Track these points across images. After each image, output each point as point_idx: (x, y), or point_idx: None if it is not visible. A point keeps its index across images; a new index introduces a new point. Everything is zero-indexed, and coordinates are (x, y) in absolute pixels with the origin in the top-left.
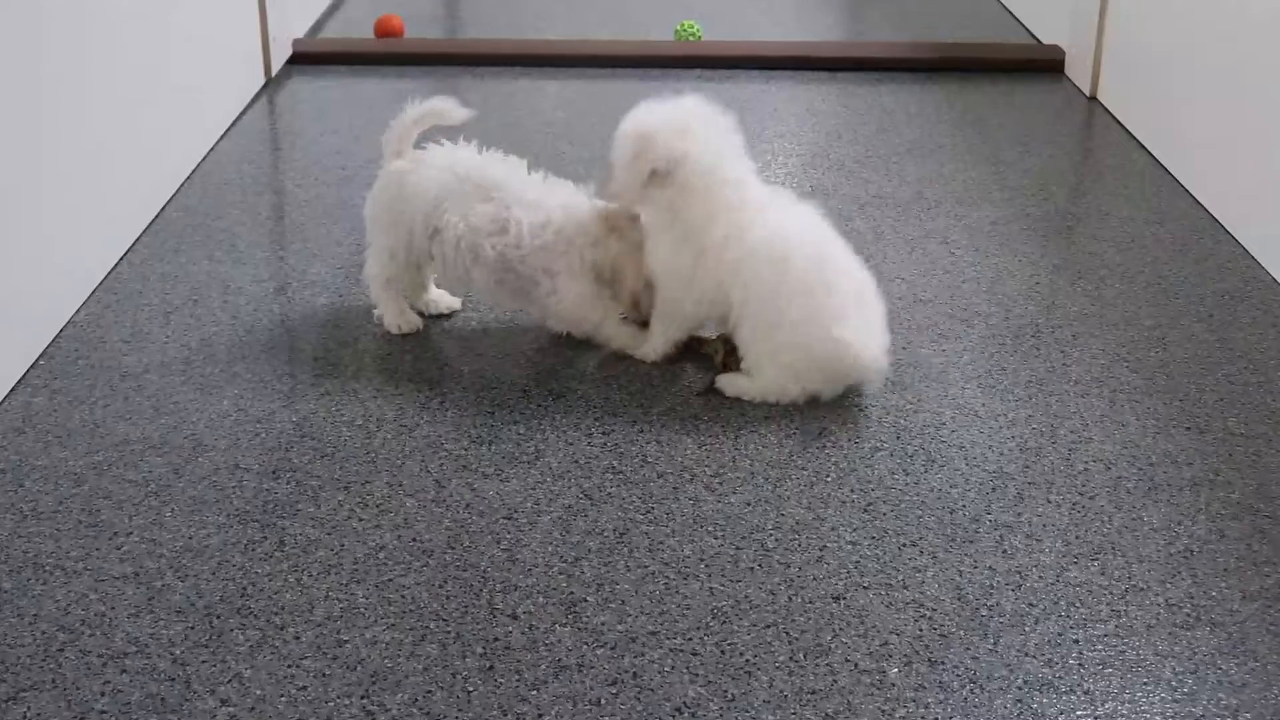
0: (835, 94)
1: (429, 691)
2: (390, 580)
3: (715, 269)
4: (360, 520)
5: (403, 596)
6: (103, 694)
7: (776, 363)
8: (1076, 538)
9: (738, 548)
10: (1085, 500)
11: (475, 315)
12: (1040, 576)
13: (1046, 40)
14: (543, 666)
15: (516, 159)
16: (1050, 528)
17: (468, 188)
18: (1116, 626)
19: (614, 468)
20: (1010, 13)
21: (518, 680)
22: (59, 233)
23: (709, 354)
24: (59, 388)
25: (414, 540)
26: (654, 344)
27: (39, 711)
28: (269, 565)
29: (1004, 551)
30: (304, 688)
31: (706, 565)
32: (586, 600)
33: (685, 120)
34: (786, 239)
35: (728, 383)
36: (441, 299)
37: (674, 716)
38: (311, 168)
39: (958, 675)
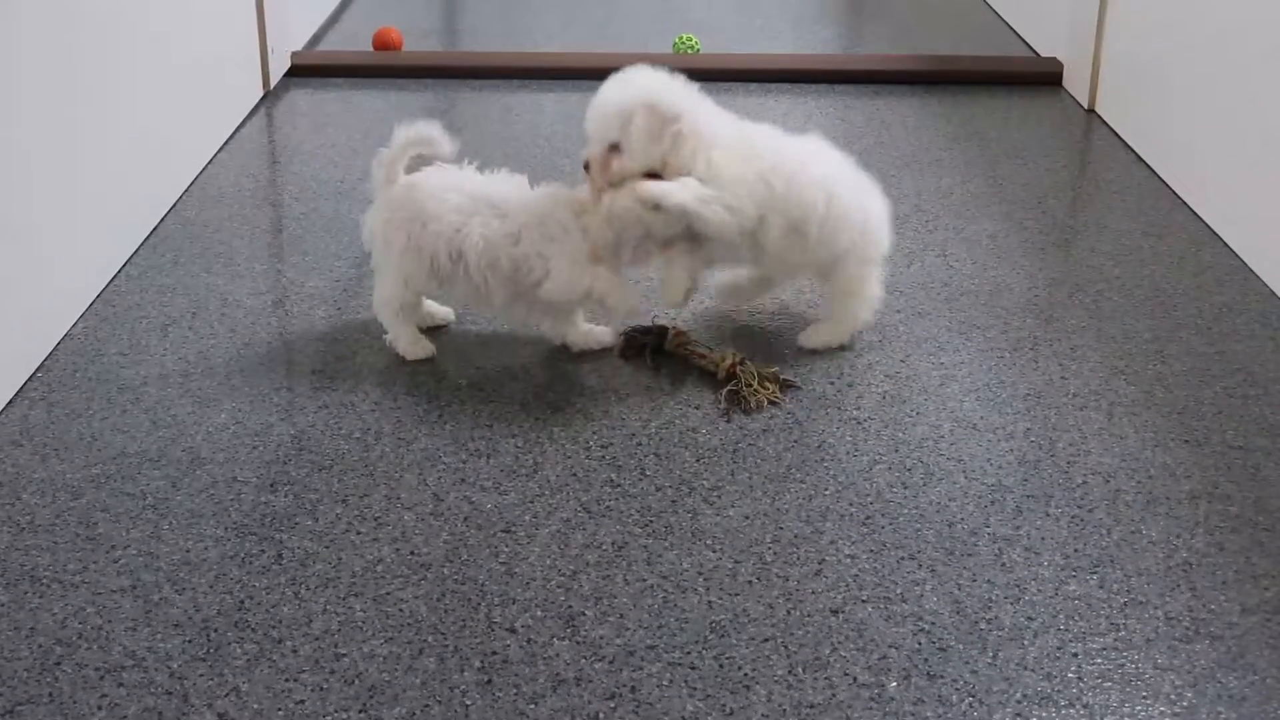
0: (833, 106)
1: (426, 705)
2: (388, 594)
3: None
4: (358, 533)
5: (400, 610)
6: (99, 708)
7: (865, 258)
8: (1075, 551)
9: (736, 561)
10: (1084, 513)
11: (474, 328)
12: (1039, 590)
13: (1044, 53)
14: (541, 680)
15: (520, 177)
16: (1049, 541)
17: (482, 207)
18: (1115, 640)
19: (612, 481)
20: (1008, 25)
21: (516, 694)
22: (56, 245)
23: (714, 364)
24: (56, 400)
25: (412, 553)
26: (676, 274)
27: None
28: (267, 578)
29: (1003, 565)
30: (301, 701)
31: (705, 579)
32: (585, 614)
33: (656, 77)
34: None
35: (812, 336)
36: (436, 311)
37: None
38: (309, 180)
39: (956, 689)
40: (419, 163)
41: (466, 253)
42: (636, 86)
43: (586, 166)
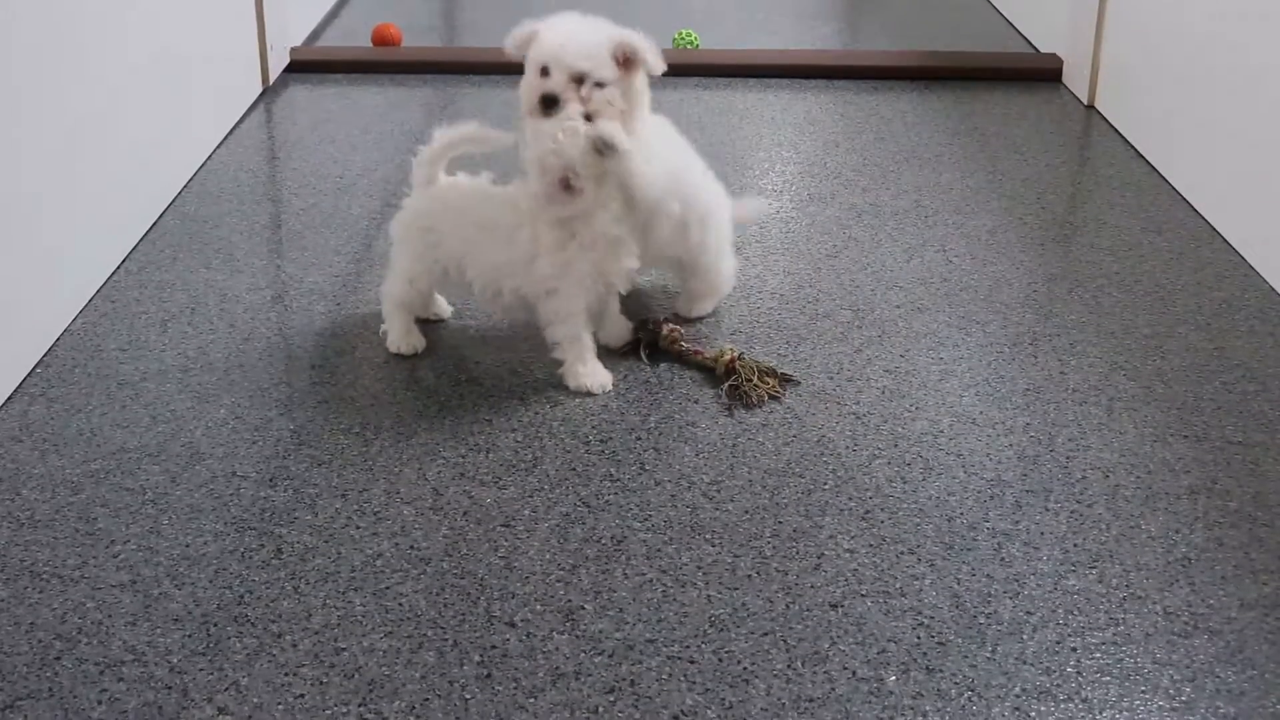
0: (833, 102)
1: (426, 699)
2: (388, 588)
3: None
4: (358, 528)
5: (400, 604)
6: (99, 702)
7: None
8: (1074, 545)
9: (735, 555)
10: (1083, 508)
11: (473, 323)
12: (1038, 584)
13: (1044, 49)
14: (540, 674)
15: (516, 189)
16: (1048, 536)
17: (485, 237)
18: (1114, 634)
19: (611, 475)
20: (1008, 21)
21: (515, 688)
22: (56, 241)
23: (711, 360)
24: (56, 396)
25: (411, 548)
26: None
27: None
28: (266, 573)
29: (1002, 559)
30: (301, 695)
31: (704, 573)
32: (584, 608)
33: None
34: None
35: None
36: (440, 306)
37: None
38: (309, 176)
39: (955, 683)
40: (454, 166)
41: (471, 282)
42: (611, 28)
43: (549, 101)
